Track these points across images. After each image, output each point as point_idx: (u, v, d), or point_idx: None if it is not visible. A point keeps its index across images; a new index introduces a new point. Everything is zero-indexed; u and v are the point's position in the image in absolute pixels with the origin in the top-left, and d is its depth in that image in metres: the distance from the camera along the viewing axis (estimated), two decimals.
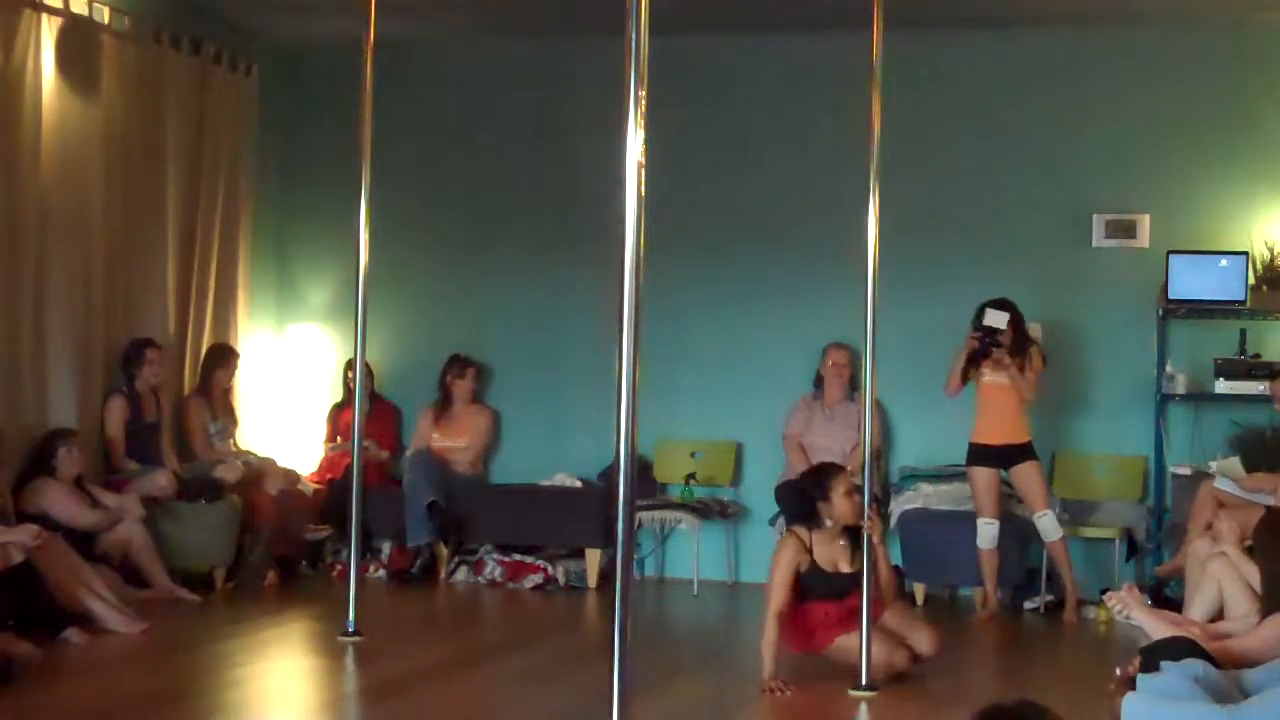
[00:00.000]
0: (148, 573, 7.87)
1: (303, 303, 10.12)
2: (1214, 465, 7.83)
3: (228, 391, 9.12)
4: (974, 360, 8.17)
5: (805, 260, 9.16)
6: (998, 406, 8.19)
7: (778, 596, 6.25)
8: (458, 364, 9.54)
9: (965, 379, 8.24)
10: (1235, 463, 7.66)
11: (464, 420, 9.52)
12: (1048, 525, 8.19)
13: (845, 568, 6.36)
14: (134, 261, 8.59)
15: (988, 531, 8.17)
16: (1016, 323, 8.15)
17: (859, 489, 6.40)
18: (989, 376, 8.23)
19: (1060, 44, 9.03)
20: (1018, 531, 8.41)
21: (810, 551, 6.35)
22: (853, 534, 6.38)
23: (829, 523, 6.36)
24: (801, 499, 6.48)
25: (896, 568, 7.89)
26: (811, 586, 6.35)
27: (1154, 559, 8.41)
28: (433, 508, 8.94)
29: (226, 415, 9.06)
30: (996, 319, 8.09)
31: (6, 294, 7.70)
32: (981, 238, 9.06)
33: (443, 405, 9.55)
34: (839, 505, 6.34)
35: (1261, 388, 8.20)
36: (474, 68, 9.87)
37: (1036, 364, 8.21)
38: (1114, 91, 9.00)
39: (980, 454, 8.20)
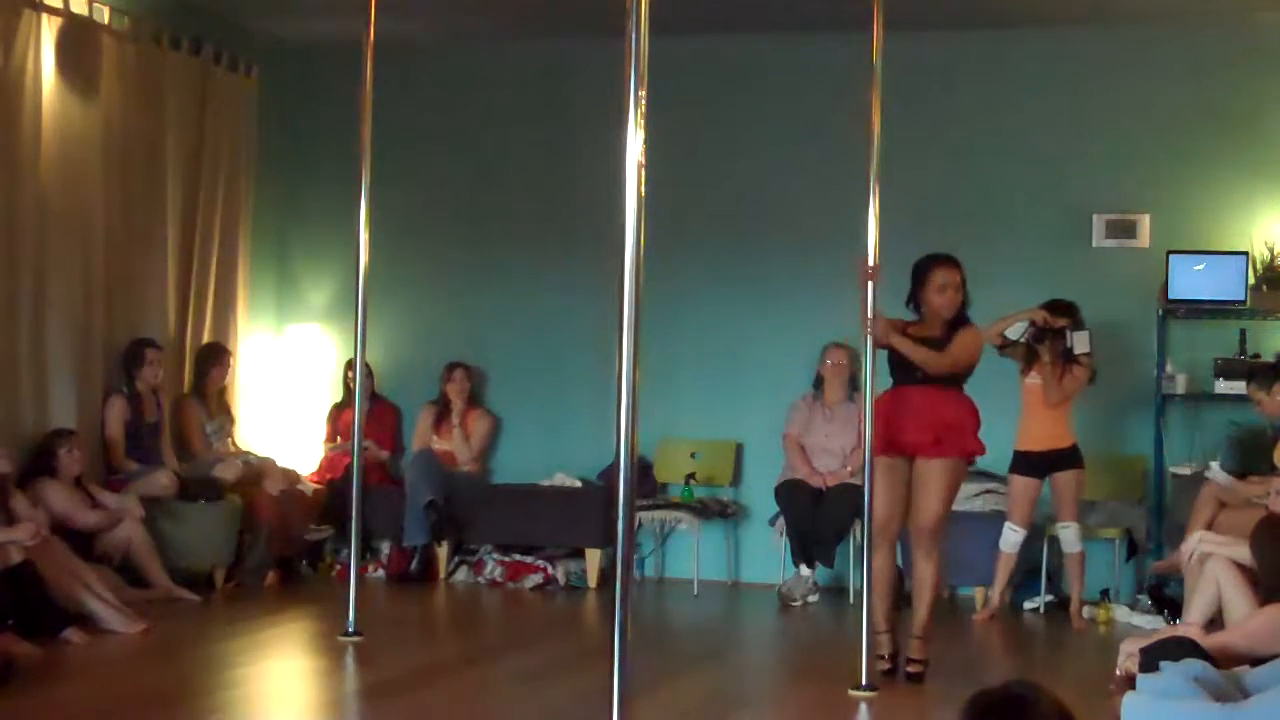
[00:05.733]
0: (148, 573, 7.87)
1: (303, 303, 10.12)
2: (1211, 469, 7.78)
3: (223, 391, 9.12)
4: (1029, 339, 8.09)
5: (805, 260, 9.16)
6: (1039, 410, 8.11)
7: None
8: (448, 368, 9.55)
9: (1004, 340, 8.12)
10: (1222, 475, 7.63)
11: (462, 424, 9.52)
12: (1069, 537, 8.17)
13: None
14: (134, 261, 8.59)
15: (1011, 537, 8.14)
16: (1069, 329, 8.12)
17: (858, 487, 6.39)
18: (1031, 379, 8.17)
19: (1060, 44, 9.03)
20: None
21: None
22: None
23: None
24: None
25: (897, 568, 7.89)
26: None
27: (1154, 559, 8.40)
28: (431, 507, 8.94)
29: (223, 414, 9.06)
30: (1081, 343, 8.06)
31: (6, 294, 7.70)
32: (982, 238, 9.02)
33: (442, 410, 9.55)
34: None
35: None
36: (474, 68, 9.87)
37: (1079, 375, 8.10)
38: (1114, 91, 9.00)
39: (1022, 462, 8.13)
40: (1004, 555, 8.17)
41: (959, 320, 6.43)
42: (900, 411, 6.35)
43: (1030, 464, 8.13)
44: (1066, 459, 8.10)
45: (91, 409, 8.23)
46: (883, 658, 6.40)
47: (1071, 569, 8.23)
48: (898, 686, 6.30)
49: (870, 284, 6.21)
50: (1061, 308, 8.17)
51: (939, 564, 6.48)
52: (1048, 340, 8.07)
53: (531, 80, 9.78)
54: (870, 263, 6.23)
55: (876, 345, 6.23)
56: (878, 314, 6.24)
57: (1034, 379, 8.16)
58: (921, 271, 6.39)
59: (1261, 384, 7.50)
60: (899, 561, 7.82)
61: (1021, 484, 8.13)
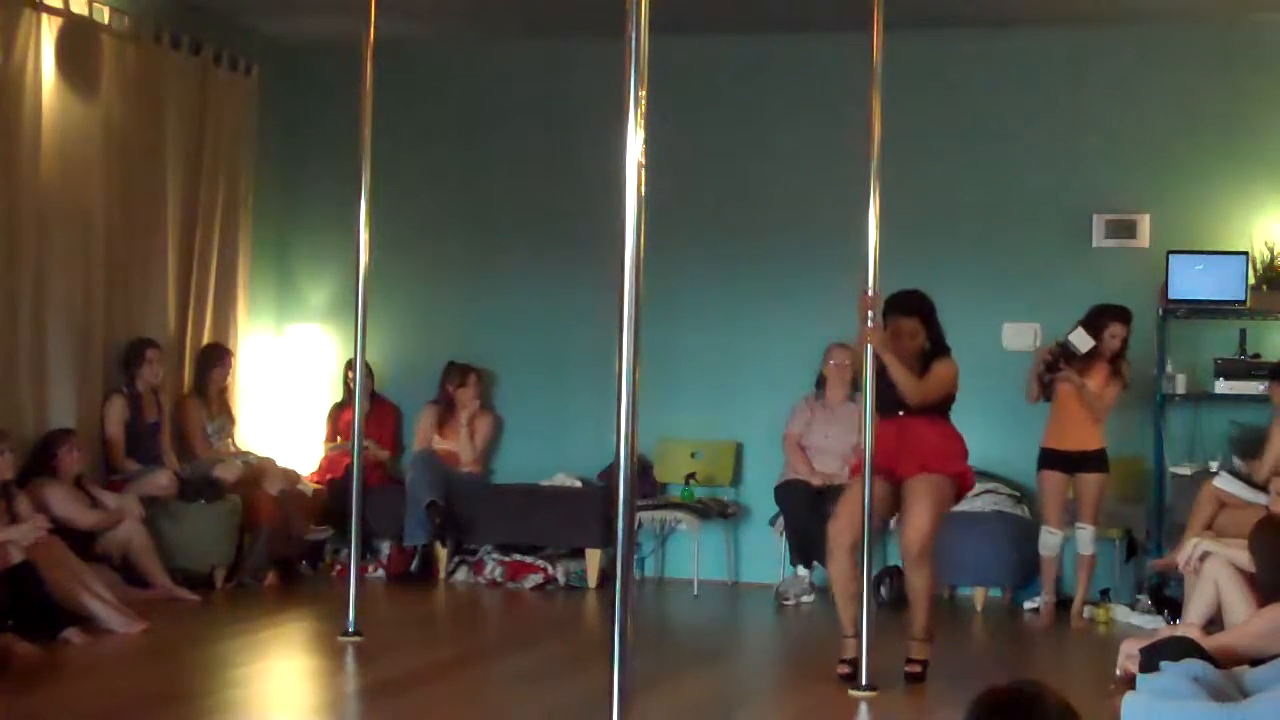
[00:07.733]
0: (148, 573, 7.87)
1: (303, 303, 10.12)
2: (1221, 477, 7.75)
3: (224, 391, 9.12)
4: (1050, 369, 8.05)
5: (806, 260, 9.16)
6: (1070, 411, 8.07)
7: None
8: (458, 372, 9.50)
9: (1043, 387, 8.09)
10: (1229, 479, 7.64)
11: (470, 425, 9.49)
12: (1085, 539, 8.13)
13: None
14: (134, 261, 8.59)
15: (1049, 540, 8.11)
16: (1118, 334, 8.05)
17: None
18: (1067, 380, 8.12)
19: (1060, 44, 9.03)
20: (1017, 531, 8.41)
21: None
22: None
23: None
24: None
25: (895, 567, 7.89)
26: None
27: (1154, 559, 8.40)
28: (432, 508, 8.95)
29: (223, 415, 9.06)
30: (1080, 341, 7.97)
31: (6, 294, 7.70)
32: (982, 238, 9.06)
33: (445, 410, 9.54)
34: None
35: (1262, 387, 8.17)
36: (474, 68, 9.87)
37: (1118, 386, 8.06)
38: (1114, 91, 9.00)
39: (1050, 459, 8.10)
40: (1045, 559, 8.15)
41: (933, 354, 6.47)
42: (891, 444, 6.35)
43: (1057, 460, 8.09)
44: (1093, 461, 8.06)
45: (91, 409, 8.23)
46: (844, 662, 6.36)
47: (1080, 570, 8.20)
48: (897, 686, 6.29)
49: (870, 312, 6.21)
50: (1112, 312, 8.10)
51: (931, 574, 6.41)
52: (1061, 364, 7.99)
53: (531, 80, 9.77)
54: (870, 292, 6.22)
55: (875, 350, 6.22)
56: (877, 323, 6.25)
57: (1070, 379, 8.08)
58: (885, 309, 6.39)
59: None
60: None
61: (1052, 480, 8.09)
